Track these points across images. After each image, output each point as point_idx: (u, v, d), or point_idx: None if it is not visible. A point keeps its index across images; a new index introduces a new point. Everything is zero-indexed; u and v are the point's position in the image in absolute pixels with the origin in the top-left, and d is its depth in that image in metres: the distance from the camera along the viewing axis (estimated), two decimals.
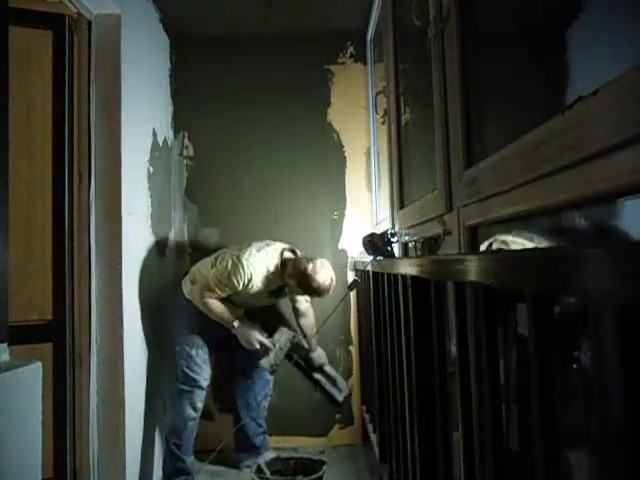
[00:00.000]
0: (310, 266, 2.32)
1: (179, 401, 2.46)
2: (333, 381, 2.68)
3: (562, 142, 0.71)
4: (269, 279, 2.39)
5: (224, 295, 2.38)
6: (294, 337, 2.59)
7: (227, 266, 2.33)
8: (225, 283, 2.33)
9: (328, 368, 2.69)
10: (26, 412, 1.21)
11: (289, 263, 2.41)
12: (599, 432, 0.47)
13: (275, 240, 2.57)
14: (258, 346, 2.45)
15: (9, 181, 1.30)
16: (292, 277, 2.36)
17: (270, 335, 2.52)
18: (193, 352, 2.45)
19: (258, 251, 2.40)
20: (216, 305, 2.39)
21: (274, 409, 2.98)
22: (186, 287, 2.52)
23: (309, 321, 2.68)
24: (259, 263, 2.36)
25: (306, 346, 2.66)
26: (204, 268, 2.48)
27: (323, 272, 2.32)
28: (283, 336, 2.55)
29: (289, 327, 2.67)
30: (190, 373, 2.46)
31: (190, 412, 2.46)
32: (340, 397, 2.67)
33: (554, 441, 0.60)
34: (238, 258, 2.34)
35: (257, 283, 2.35)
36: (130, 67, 2.28)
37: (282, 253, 2.45)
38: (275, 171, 3.08)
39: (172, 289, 2.85)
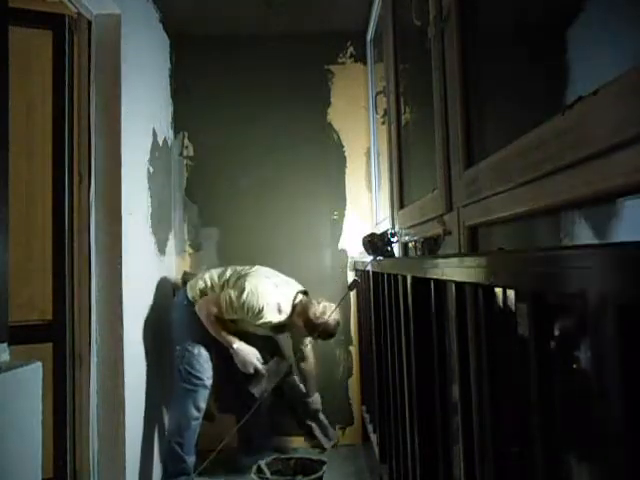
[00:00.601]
0: (320, 308, 2.41)
1: (182, 400, 2.45)
2: (325, 428, 2.68)
3: (562, 142, 0.71)
4: (278, 316, 2.42)
5: (230, 318, 2.42)
6: (290, 368, 2.61)
7: (242, 293, 2.35)
8: (235, 308, 2.36)
9: (322, 416, 2.70)
10: (26, 412, 1.21)
11: (299, 304, 2.46)
12: (599, 432, 0.47)
13: (293, 279, 2.61)
14: (252, 371, 2.48)
15: (9, 181, 1.30)
16: (300, 317, 2.42)
17: (266, 362, 2.53)
18: (196, 351, 2.45)
19: (276, 287, 2.44)
20: (219, 323, 2.43)
21: (274, 409, 2.98)
22: (192, 291, 2.53)
23: (309, 365, 2.71)
24: (273, 299, 2.39)
25: (303, 390, 2.68)
26: (216, 283, 2.51)
27: (331, 316, 2.40)
28: (278, 366, 2.58)
29: (284, 356, 2.68)
30: (193, 372, 2.45)
31: (193, 412, 2.45)
32: (328, 445, 2.68)
33: (554, 441, 0.60)
34: (256, 288, 2.36)
35: (266, 317, 2.38)
36: (130, 67, 2.28)
37: (296, 295, 2.49)
38: (275, 171, 3.08)
39: (172, 289, 2.84)
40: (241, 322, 2.46)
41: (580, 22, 0.76)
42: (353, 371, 3.05)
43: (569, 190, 0.72)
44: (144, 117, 2.53)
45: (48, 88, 2.10)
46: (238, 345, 2.44)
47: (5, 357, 1.23)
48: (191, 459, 2.48)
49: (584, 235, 0.79)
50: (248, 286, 2.36)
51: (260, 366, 2.49)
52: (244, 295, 2.34)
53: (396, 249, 1.94)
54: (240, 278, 2.45)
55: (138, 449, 2.31)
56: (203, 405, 2.49)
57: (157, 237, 2.68)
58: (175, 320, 2.56)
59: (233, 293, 2.37)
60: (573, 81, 0.80)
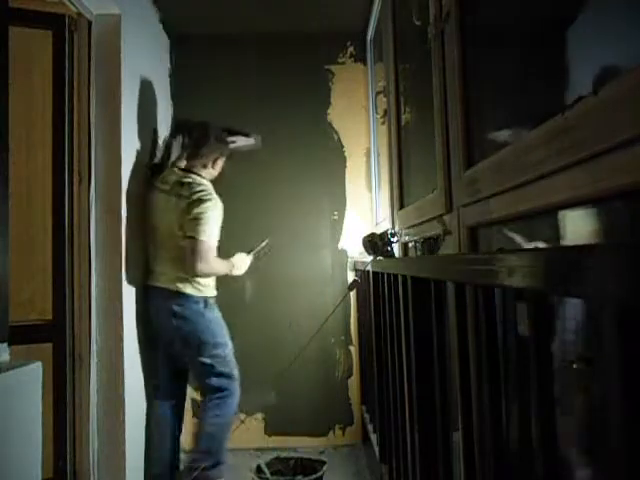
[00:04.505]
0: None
1: (234, 399, 2.32)
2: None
3: (562, 142, 0.71)
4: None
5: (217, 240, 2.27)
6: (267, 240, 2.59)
7: (205, 211, 2.18)
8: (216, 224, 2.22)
9: None
10: (26, 412, 1.21)
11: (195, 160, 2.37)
12: (599, 432, 0.47)
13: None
14: (249, 264, 2.48)
15: (9, 181, 1.30)
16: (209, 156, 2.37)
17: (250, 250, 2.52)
18: (227, 350, 2.33)
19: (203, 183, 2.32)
20: (216, 259, 2.27)
21: (274, 409, 2.98)
22: (185, 280, 2.26)
23: None
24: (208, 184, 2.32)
25: None
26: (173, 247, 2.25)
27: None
28: (263, 244, 2.57)
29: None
30: (232, 374, 2.33)
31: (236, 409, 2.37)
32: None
33: (554, 441, 0.60)
34: (202, 197, 2.21)
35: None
36: (130, 67, 2.28)
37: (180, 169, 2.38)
38: (275, 171, 3.08)
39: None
40: None
41: (580, 21, 0.76)
42: (353, 371, 3.05)
43: (569, 190, 0.72)
44: (144, 117, 2.53)
45: (48, 88, 2.10)
46: (235, 265, 2.38)
47: (5, 357, 1.23)
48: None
49: (584, 235, 0.79)
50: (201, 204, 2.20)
51: (252, 254, 2.50)
52: (207, 208, 2.19)
53: (396, 249, 1.94)
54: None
55: (138, 449, 2.31)
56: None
57: None
58: (200, 329, 2.28)
59: (202, 222, 2.17)
60: (573, 81, 0.80)
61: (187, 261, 2.18)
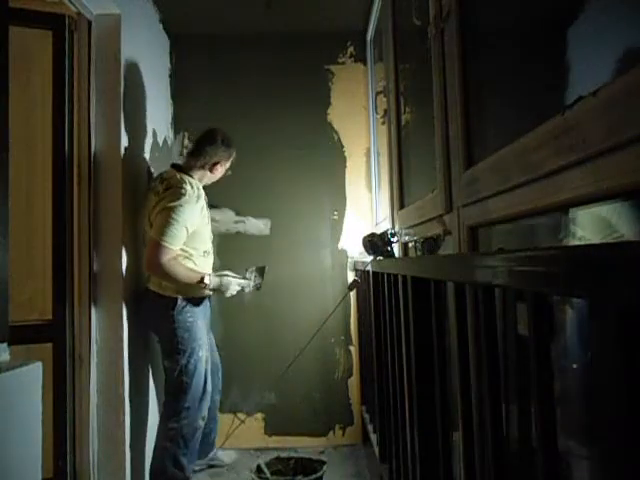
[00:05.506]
0: (205, 133, 2.33)
1: (190, 412, 2.20)
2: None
3: (562, 142, 0.71)
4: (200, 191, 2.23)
5: (182, 242, 2.11)
6: (264, 268, 2.44)
7: (170, 209, 2.05)
8: (180, 218, 2.05)
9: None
10: (26, 412, 1.21)
11: (190, 160, 2.29)
12: (599, 432, 0.47)
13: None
14: (239, 289, 2.30)
15: (9, 181, 1.30)
16: (209, 157, 2.26)
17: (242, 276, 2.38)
18: (191, 359, 2.20)
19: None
20: (178, 264, 2.11)
21: (274, 409, 2.98)
22: (154, 280, 2.22)
23: None
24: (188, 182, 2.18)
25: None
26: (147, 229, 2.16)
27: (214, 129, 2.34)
28: (254, 270, 2.41)
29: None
30: (201, 381, 2.23)
31: (200, 422, 2.24)
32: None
33: (554, 440, 0.60)
34: (170, 188, 2.11)
35: (198, 201, 2.16)
36: (130, 67, 2.28)
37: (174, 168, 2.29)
38: (275, 171, 3.08)
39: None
40: (197, 238, 2.20)
41: (580, 22, 0.76)
42: (353, 371, 3.05)
43: (569, 190, 0.72)
44: (144, 117, 2.53)
45: (48, 88, 2.10)
46: (208, 278, 2.18)
47: (5, 357, 1.23)
48: (191, 466, 2.28)
49: (585, 235, 0.79)
50: (170, 197, 2.08)
51: (243, 281, 2.34)
52: (173, 200, 2.06)
53: (396, 249, 1.94)
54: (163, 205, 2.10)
55: (138, 449, 2.31)
56: (207, 412, 2.30)
57: None
58: (173, 328, 2.19)
59: (163, 217, 2.05)
60: (573, 81, 0.80)
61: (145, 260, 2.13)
